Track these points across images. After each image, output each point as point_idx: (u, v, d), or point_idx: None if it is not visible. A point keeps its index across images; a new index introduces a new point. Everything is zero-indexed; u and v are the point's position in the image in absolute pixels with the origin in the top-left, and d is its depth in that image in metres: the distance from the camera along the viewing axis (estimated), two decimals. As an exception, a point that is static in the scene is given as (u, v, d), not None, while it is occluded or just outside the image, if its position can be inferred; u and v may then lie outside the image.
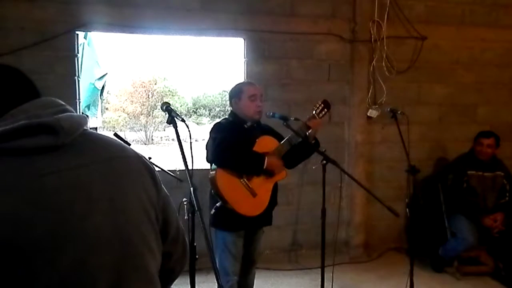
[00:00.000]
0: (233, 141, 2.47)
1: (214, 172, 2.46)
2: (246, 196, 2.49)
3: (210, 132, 2.58)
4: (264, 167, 2.48)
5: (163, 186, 1.09)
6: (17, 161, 0.84)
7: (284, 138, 2.65)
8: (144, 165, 1.06)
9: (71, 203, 0.86)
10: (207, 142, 2.58)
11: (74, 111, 0.98)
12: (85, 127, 0.98)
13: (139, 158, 1.06)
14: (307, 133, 2.61)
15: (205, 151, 2.62)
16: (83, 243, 0.85)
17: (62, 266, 0.82)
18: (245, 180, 2.49)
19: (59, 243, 0.82)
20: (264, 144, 2.58)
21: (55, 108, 0.94)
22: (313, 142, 2.67)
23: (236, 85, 2.72)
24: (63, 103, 0.98)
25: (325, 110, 2.71)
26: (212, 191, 2.50)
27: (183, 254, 1.17)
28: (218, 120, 2.78)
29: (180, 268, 1.19)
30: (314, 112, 2.68)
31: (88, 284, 0.86)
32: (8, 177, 0.82)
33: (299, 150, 2.66)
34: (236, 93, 2.66)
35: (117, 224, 0.92)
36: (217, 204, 2.47)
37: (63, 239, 0.83)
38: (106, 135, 1.08)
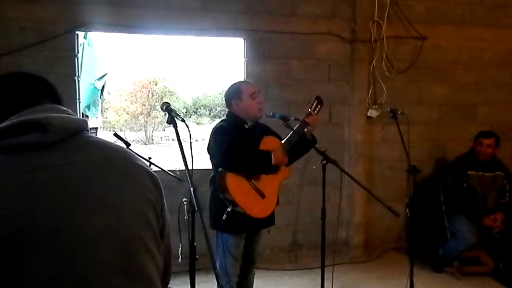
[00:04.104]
0: (241, 143, 2.45)
1: (223, 176, 2.41)
2: (256, 198, 2.48)
3: (213, 136, 2.54)
4: (273, 163, 2.48)
5: (163, 194, 1.07)
6: (6, 158, 0.86)
7: (281, 137, 2.66)
8: (143, 168, 1.05)
9: (57, 197, 0.86)
10: (210, 146, 2.56)
11: (75, 116, 1.00)
12: (84, 130, 0.99)
13: (138, 160, 1.06)
14: (305, 130, 2.62)
15: (209, 155, 2.61)
16: (68, 238, 0.85)
17: (48, 259, 0.82)
18: (254, 182, 2.49)
19: (43, 237, 0.82)
20: (269, 144, 2.57)
21: (54, 111, 0.96)
22: (310, 138, 2.67)
23: (232, 86, 2.69)
24: (66, 109, 1.00)
25: (319, 106, 2.72)
26: (221, 196, 2.44)
27: (166, 272, 1.09)
28: (218, 120, 2.76)
29: (162, 286, 1.08)
30: (309, 109, 2.69)
31: (79, 279, 0.84)
32: None
33: (298, 148, 2.66)
34: (235, 94, 2.63)
35: (106, 222, 0.90)
36: (228, 209, 2.41)
37: (47, 233, 0.83)
38: (108, 140, 1.07)
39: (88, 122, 1.06)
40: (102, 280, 0.87)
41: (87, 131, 1.01)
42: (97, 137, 1.03)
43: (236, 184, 2.42)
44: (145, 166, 1.07)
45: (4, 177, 0.84)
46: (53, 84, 1.08)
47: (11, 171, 0.85)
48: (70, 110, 1.01)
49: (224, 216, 2.41)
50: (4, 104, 0.97)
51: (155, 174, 1.07)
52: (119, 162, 1.01)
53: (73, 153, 0.93)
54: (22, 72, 1.05)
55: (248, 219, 2.46)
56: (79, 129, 0.98)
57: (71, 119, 0.96)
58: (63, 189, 0.88)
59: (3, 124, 0.88)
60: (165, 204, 1.08)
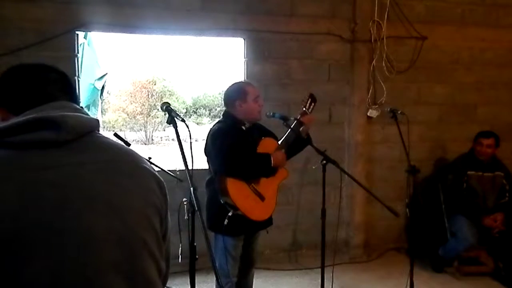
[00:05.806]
0: (240, 147, 2.44)
1: (223, 180, 2.41)
2: (256, 202, 2.49)
3: (211, 139, 2.51)
4: (272, 164, 2.48)
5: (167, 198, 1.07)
6: (18, 154, 0.85)
7: (277, 137, 2.67)
8: (151, 172, 1.05)
9: (64, 198, 0.86)
10: (209, 149, 2.54)
11: (90, 115, 1.00)
12: (96, 130, 0.99)
13: (146, 164, 1.06)
14: (301, 129, 2.63)
15: (206, 157, 2.60)
16: (72, 240, 0.84)
17: (50, 260, 0.81)
18: (253, 185, 2.49)
19: (47, 237, 0.82)
20: (267, 145, 2.57)
21: (68, 110, 0.95)
22: (305, 137, 2.68)
23: (235, 86, 2.66)
24: (79, 107, 1.00)
25: (313, 104, 2.74)
26: (221, 199, 2.43)
27: (165, 274, 1.09)
28: (216, 120, 2.75)
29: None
30: (304, 108, 2.70)
31: (81, 281, 0.84)
32: (2, 169, 0.83)
33: (294, 147, 2.68)
34: (240, 95, 2.57)
35: (112, 225, 0.90)
36: (229, 214, 2.41)
37: (51, 234, 0.82)
38: (118, 142, 1.07)
39: (100, 122, 1.05)
40: (104, 283, 0.87)
41: (99, 130, 1.01)
42: (106, 138, 1.02)
43: (236, 188, 2.41)
44: (153, 170, 1.06)
45: (8, 174, 0.83)
46: (72, 81, 1.07)
47: (17, 168, 0.84)
48: (83, 109, 1.01)
49: (226, 221, 2.41)
50: (18, 97, 0.97)
51: (162, 179, 1.07)
52: (127, 165, 1.00)
53: (83, 153, 0.92)
54: (40, 65, 1.05)
55: (247, 222, 2.46)
56: (91, 129, 0.97)
57: (83, 119, 0.96)
58: (70, 190, 0.87)
59: (18, 119, 0.88)
60: (168, 209, 1.08)
